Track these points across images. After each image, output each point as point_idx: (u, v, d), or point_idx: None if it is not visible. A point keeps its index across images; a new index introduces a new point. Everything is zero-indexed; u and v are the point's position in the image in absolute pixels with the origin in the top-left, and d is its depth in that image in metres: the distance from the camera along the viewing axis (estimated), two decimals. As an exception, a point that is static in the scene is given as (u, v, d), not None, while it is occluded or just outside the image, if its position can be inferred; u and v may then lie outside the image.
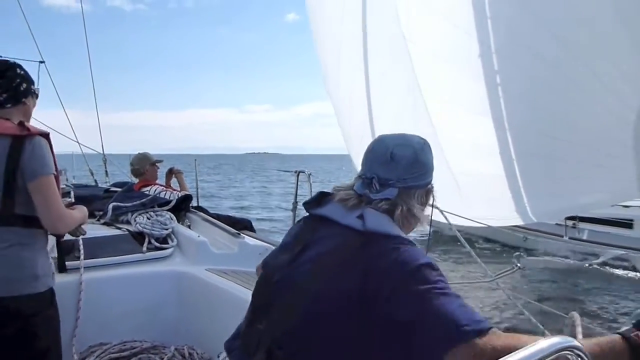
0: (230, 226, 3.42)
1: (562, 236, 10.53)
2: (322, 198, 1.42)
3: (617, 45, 5.15)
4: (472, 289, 8.86)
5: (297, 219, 5.04)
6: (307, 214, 1.45)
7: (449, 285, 1.14)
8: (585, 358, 0.82)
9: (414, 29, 5.59)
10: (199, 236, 3.20)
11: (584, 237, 11.15)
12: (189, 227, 3.49)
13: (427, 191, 1.41)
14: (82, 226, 2.40)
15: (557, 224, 10.81)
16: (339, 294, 1.17)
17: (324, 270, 1.22)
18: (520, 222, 4.83)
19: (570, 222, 11.04)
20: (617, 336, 1.05)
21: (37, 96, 2.24)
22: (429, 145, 1.44)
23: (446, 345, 1.05)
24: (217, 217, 3.77)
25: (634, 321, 1.07)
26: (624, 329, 1.07)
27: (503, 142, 5.67)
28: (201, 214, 3.71)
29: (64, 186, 3.19)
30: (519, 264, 2.79)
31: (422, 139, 1.43)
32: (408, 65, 5.58)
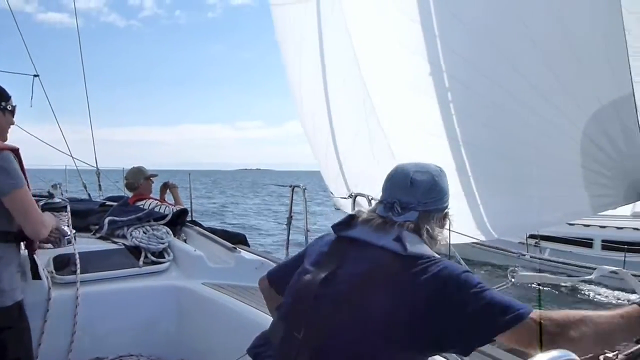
0: (226, 240, 3.43)
1: (525, 254, 10.51)
2: (351, 221, 1.51)
3: (564, 67, 5.46)
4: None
5: (291, 232, 5.07)
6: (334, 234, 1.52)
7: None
8: None
9: (365, 53, 5.97)
10: (195, 250, 3.20)
11: (545, 256, 11.35)
12: (185, 241, 3.49)
13: (444, 215, 1.52)
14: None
15: (520, 242, 10.90)
16: (383, 309, 1.28)
17: (366, 286, 1.31)
18: (482, 239, 4.89)
19: (532, 241, 11.13)
20: (635, 306, 1.25)
21: (12, 112, 2.27)
22: (445, 172, 1.56)
23: (505, 326, 1.21)
24: (212, 231, 3.77)
25: None
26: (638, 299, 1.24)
27: (459, 160, 5.91)
28: (197, 228, 3.71)
29: (60, 200, 3.18)
30: (512, 279, 2.79)
31: (438, 166, 1.55)
32: (362, 89, 5.96)
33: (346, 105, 6.28)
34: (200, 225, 3.92)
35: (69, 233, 3.01)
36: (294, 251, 5.32)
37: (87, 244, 3.20)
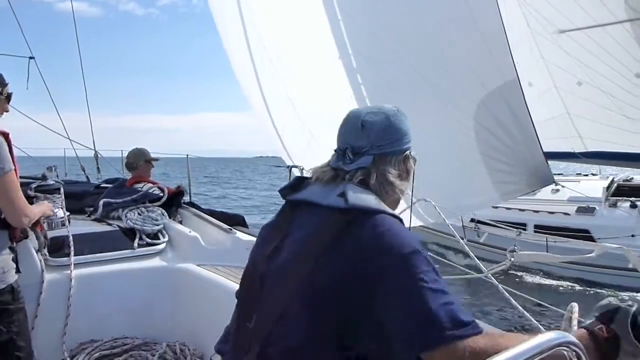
0: (224, 222, 3.40)
1: (463, 238, 10.50)
2: (299, 183, 1.35)
3: (450, 59, 6.81)
4: (463, 283, 8.86)
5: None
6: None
7: (438, 277, 1.08)
8: (580, 353, 0.81)
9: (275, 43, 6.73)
10: (190, 232, 3.17)
11: (481, 240, 11.39)
12: (180, 222, 3.46)
13: (404, 157, 1.32)
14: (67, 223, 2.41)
15: (463, 226, 10.97)
16: (327, 281, 1.11)
17: (308, 257, 1.15)
18: (419, 223, 5.00)
19: (472, 225, 11.24)
20: (583, 331, 1.05)
21: (8, 99, 2.28)
22: (404, 113, 1.37)
23: (424, 346, 1.02)
24: (211, 213, 3.74)
25: (596, 314, 1.05)
26: (587, 322, 1.05)
27: None
28: (193, 209, 3.67)
29: (53, 182, 3.15)
30: (512, 259, 2.76)
31: (395, 106, 1.37)
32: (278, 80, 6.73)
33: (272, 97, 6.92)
34: (198, 207, 3.88)
35: (62, 215, 3.00)
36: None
37: (81, 226, 3.17)
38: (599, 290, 9.71)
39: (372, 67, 7.04)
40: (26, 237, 2.43)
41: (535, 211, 10.83)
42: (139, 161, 4.04)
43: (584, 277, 10.07)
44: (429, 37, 6.99)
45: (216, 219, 3.47)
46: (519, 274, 10.48)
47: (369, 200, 1.20)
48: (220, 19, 7.23)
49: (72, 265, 2.70)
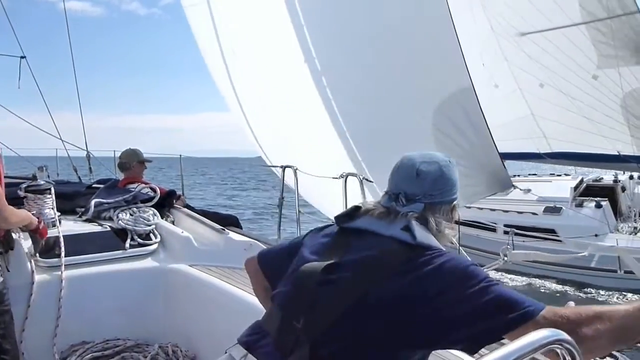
0: (217, 222, 3.37)
1: None
2: (354, 212, 1.45)
3: (407, 67, 7.49)
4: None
5: (283, 214, 5.04)
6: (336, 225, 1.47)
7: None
8: (574, 351, 0.81)
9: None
10: (182, 232, 3.15)
11: (454, 240, 11.42)
12: (172, 223, 3.44)
13: (452, 207, 1.45)
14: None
15: None
16: (388, 298, 1.23)
17: (370, 274, 1.27)
18: None
19: None
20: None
21: None
22: (454, 163, 1.49)
23: (518, 322, 1.14)
24: (204, 213, 3.72)
25: None
26: None
27: (349, 149, 7.34)
28: (185, 210, 3.65)
29: (43, 182, 3.12)
30: (505, 257, 2.75)
31: (447, 156, 1.49)
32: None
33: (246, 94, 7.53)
34: (191, 207, 3.86)
35: (52, 216, 2.97)
36: (285, 231, 5.36)
37: (72, 226, 3.14)
38: (588, 292, 9.77)
39: (335, 71, 7.48)
40: (9, 238, 2.38)
41: (505, 211, 10.98)
42: (132, 162, 4.01)
43: (575, 279, 10.11)
44: (387, 44, 7.51)
45: (209, 219, 3.45)
46: (509, 276, 10.52)
47: (429, 237, 1.33)
48: (194, 23, 7.71)
49: (63, 266, 2.68)
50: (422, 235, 1.31)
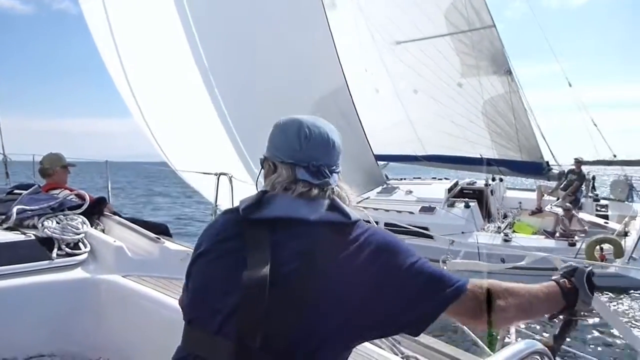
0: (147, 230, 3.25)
1: None
2: (262, 198, 1.32)
3: (288, 69, 8.33)
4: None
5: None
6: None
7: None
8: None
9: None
10: (115, 241, 3.00)
11: None
12: (103, 231, 3.28)
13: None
14: None
15: None
16: (337, 289, 1.19)
17: (315, 268, 1.20)
18: None
19: None
20: (552, 282, 1.36)
21: None
22: None
23: (451, 299, 1.21)
24: (133, 221, 3.57)
25: (561, 272, 1.37)
26: (554, 277, 1.37)
27: (237, 148, 7.71)
28: (116, 217, 3.50)
29: None
30: (445, 267, 2.83)
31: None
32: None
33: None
34: (119, 215, 3.70)
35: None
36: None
37: (-9, 235, 2.93)
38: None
39: (222, 72, 8.01)
40: None
41: (386, 210, 11.44)
42: (54, 167, 3.82)
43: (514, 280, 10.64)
44: (269, 47, 8.18)
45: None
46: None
47: (353, 213, 1.30)
48: (90, 22, 7.86)
49: (-18, 277, 2.48)
50: (350, 211, 1.29)
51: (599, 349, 6.98)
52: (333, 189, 1.33)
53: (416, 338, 2.31)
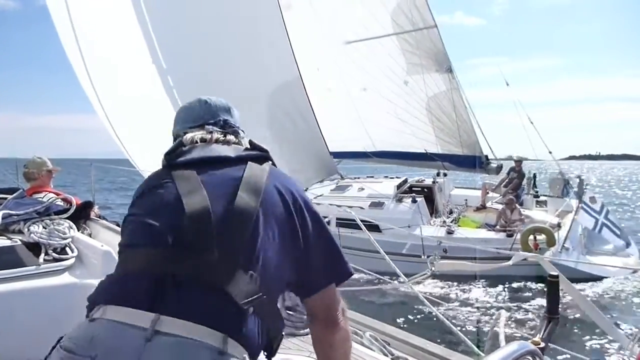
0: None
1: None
2: (180, 146, 1.51)
3: (243, 64, 8.74)
4: (382, 292, 9.03)
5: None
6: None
7: None
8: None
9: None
10: (102, 246, 2.98)
11: None
12: (90, 236, 3.26)
13: None
14: None
15: None
16: (276, 212, 1.37)
17: (254, 196, 1.35)
18: None
19: None
20: None
21: None
22: None
23: (338, 278, 1.48)
24: (119, 225, 3.56)
25: None
26: None
27: None
28: (103, 221, 3.48)
29: None
30: (433, 268, 2.87)
31: None
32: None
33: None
34: (105, 219, 3.69)
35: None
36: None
37: (-24, 240, 2.89)
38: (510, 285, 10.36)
39: (181, 71, 8.34)
40: None
41: (338, 206, 11.72)
42: (40, 171, 3.79)
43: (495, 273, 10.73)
44: (225, 40, 8.64)
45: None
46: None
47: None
48: (56, 19, 7.67)
49: (-33, 283, 2.46)
50: (263, 148, 1.56)
51: (585, 346, 7.11)
52: (237, 135, 1.58)
53: (406, 339, 2.34)
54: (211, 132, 1.53)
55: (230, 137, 1.54)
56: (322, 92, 14.61)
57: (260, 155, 1.49)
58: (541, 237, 10.26)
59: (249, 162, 1.43)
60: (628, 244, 10.43)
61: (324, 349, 1.47)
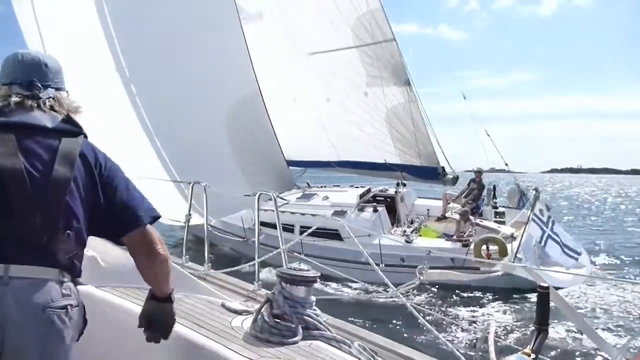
0: (120, 240, 3.20)
1: (247, 239, 11.75)
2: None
3: (204, 75, 9.31)
4: (370, 303, 8.96)
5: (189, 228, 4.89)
6: None
7: None
8: None
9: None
10: (88, 251, 2.94)
11: (261, 240, 12.24)
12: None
13: (67, 92, 1.80)
14: None
15: (250, 228, 11.96)
16: (82, 177, 1.64)
17: (68, 166, 1.61)
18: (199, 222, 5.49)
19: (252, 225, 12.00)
20: None
21: None
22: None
23: (139, 221, 1.76)
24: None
25: None
26: None
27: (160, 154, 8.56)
28: (88, 227, 3.43)
29: None
30: (421, 277, 2.86)
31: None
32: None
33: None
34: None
35: None
36: (191, 248, 5.21)
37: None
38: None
39: (144, 82, 8.83)
40: None
41: (302, 214, 12.14)
42: None
43: (352, 273, 10.71)
44: (187, 54, 8.89)
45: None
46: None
47: (73, 121, 1.73)
48: (21, 20, 8.37)
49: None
50: (76, 124, 1.71)
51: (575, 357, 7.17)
52: (49, 99, 1.68)
53: (394, 349, 2.33)
54: (11, 96, 1.65)
55: (28, 102, 1.64)
56: (288, 102, 15.17)
57: (74, 130, 1.68)
58: (494, 248, 10.49)
59: (63, 138, 1.64)
60: (577, 255, 10.21)
61: (147, 272, 1.89)
